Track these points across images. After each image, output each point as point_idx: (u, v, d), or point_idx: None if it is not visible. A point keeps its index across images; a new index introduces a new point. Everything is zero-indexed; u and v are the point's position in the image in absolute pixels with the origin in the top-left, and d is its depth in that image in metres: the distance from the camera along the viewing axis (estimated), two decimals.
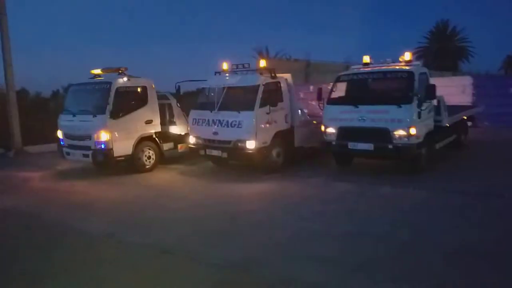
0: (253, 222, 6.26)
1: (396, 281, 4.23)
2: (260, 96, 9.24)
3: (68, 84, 10.53)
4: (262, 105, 9.24)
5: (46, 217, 6.93)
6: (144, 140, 10.01)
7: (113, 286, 4.44)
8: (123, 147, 9.53)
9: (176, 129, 10.86)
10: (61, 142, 10.27)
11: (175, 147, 10.92)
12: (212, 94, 9.91)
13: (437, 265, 4.57)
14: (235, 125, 9.24)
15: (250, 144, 9.12)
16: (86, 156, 9.53)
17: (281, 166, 9.91)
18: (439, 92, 13.72)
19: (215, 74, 10.54)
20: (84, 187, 8.93)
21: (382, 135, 8.61)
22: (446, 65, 42.19)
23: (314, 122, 10.70)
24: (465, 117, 12.00)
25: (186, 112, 10.70)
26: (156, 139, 10.29)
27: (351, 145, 9.04)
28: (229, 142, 9.36)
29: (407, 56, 9.27)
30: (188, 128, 10.30)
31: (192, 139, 10.15)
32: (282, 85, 9.97)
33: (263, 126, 9.28)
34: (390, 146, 8.55)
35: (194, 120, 10.04)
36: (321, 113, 9.84)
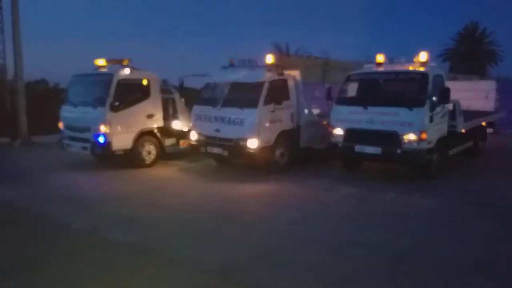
0: (244, 224, 5.94)
1: None
2: (265, 93, 8.85)
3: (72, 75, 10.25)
4: (267, 102, 8.85)
5: (36, 210, 6.73)
6: (145, 134, 9.74)
7: (77, 282, 4.19)
8: (122, 141, 9.29)
9: (179, 125, 10.56)
10: (62, 134, 10.13)
11: (177, 143, 10.63)
12: (216, 89, 9.59)
13: (429, 283, 4.16)
14: (237, 122, 8.89)
15: (252, 143, 8.75)
16: (85, 148, 9.34)
17: (285, 167, 9.51)
18: (460, 96, 13.16)
19: (221, 69, 10.22)
20: (80, 180, 8.73)
21: (390, 138, 8.12)
22: (474, 68, 40.91)
23: (325, 122, 10.23)
24: (484, 123, 11.32)
25: (190, 107, 10.39)
26: (158, 134, 10.02)
27: (358, 148, 8.58)
28: (230, 140, 9.02)
29: (423, 56, 8.71)
30: (191, 124, 10.01)
31: (193, 136, 9.84)
32: (289, 82, 9.56)
33: (266, 124, 8.89)
34: (399, 151, 8.05)
35: (197, 116, 9.73)
36: None
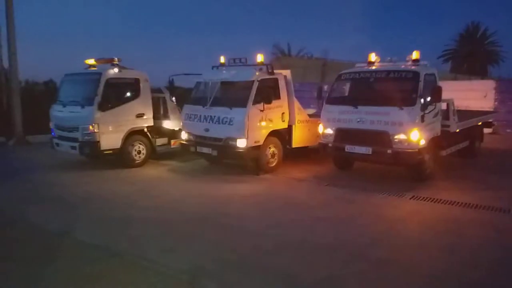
0: (223, 226, 5.80)
1: None
2: (254, 92, 8.74)
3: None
4: (256, 102, 8.74)
5: (10, 212, 6.61)
6: (135, 134, 9.65)
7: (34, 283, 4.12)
8: (111, 140, 9.20)
9: (170, 124, 10.46)
10: (52, 133, 10.06)
11: (169, 142, 10.53)
12: (206, 89, 9.48)
13: None
14: (226, 122, 8.78)
15: (241, 143, 8.63)
16: (73, 148, 9.25)
17: (275, 167, 9.39)
18: (458, 96, 13.01)
19: (212, 68, 10.12)
20: (65, 181, 8.62)
21: (381, 138, 7.99)
22: (475, 69, 40.62)
23: (319, 122, 10.09)
24: (480, 123, 11.13)
25: (181, 107, 10.29)
26: (148, 133, 9.93)
27: (348, 148, 8.44)
28: (220, 139, 8.91)
29: (415, 55, 8.58)
30: (181, 124, 9.91)
31: (184, 135, 9.74)
32: (280, 82, 9.43)
33: (255, 124, 8.77)
34: (389, 151, 7.91)
35: (187, 115, 9.63)
36: None
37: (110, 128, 9.14)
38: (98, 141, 9.03)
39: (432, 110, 8.10)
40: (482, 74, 37.40)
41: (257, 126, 8.81)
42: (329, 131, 8.81)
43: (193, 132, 9.49)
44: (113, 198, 7.29)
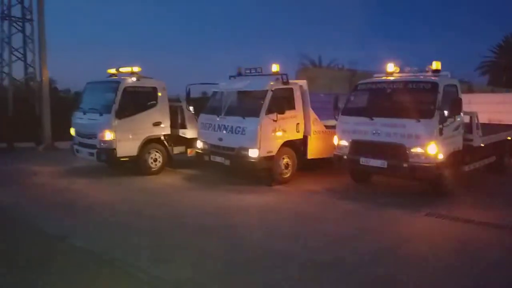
0: (220, 238, 5.69)
1: None
2: (268, 102, 8.66)
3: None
4: (270, 111, 8.65)
5: (16, 214, 6.80)
6: (152, 142, 9.79)
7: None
8: (128, 148, 9.36)
9: (187, 133, 10.53)
10: (74, 139, 10.36)
11: (186, 151, 10.60)
12: (221, 98, 9.50)
13: None
14: (239, 131, 8.75)
15: (253, 153, 8.55)
16: (91, 154, 9.48)
17: (289, 178, 9.23)
18: (490, 109, 12.38)
19: (229, 78, 10.15)
20: (79, 186, 8.83)
21: (397, 151, 7.69)
22: None
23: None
24: (510, 138, 10.53)
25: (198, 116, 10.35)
26: (165, 141, 10.03)
27: (363, 160, 8.17)
28: (232, 149, 8.87)
29: (435, 65, 8.25)
30: (197, 133, 9.97)
31: (199, 144, 9.78)
32: (295, 92, 9.31)
33: (268, 134, 8.67)
34: (405, 165, 7.59)
35: (202, 125, 9.68)
36: None
37: (127, 136, 9.31)
38: (115, 149, 9.21)
39: (452, 123, 7.73)
40: None
41: (270, 136, 8.71)
42: (344, 142, 8.59)
43: (207, 141, 9.51)
44: (121, 205, 7.37)
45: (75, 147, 10.16)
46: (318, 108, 10.09)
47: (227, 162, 8.98)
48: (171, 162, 10.39)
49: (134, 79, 9.60)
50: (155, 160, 9.89)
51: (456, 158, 8.11)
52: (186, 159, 10.81)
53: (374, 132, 8.02)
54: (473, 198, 7.98)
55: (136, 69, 9.79)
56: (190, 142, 10.51)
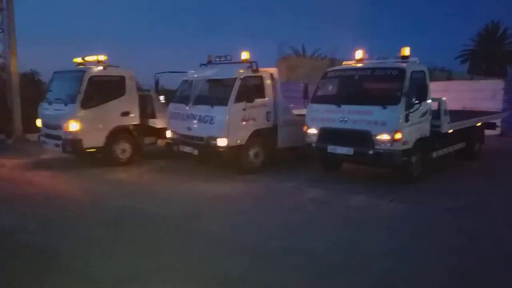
0: (177, 229, 5.56)
1: None
2: (236, 90, 8.54)
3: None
4: (238, 100, 8.54)
5: None
6: (120, 132, 9.58)
7: None
8: (94, 139, 9.15)
9: (157, 123, 10.35)
10: (41, 131, 10.11)
11: (157, 141, 10.44)
12: (190, 87, 9.35)
13: None
14: (207, 120, 8.63)
15: (222, 142, 8.45)
16: (57, 146, 9.26)
17: (260, 167, 9.16)
18: (465, 96, 12.32)
19: (200, 66, 9.98)
20: (41, 178, 8.60)
21: (363, 138, 7.67)
22: (495, 70, 39.37)
23: None
24: (479, 124, 10.62)
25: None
26: (134, 132, 9.85)
27: (330, 148, 8.15)
28: (201, 138, 8.75)
29: (404, 51, 8.21)
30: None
31: (169, 134, 9.64)
32: (265, 80, 9.20)
33: (237, 123, 8.57)
34: (371, 152, 7.59)
35: (171, 114, 9.52)
36: None
37: (93, 126, 9.09)
38: (81, 139, 9.00)
39: (418, 109, 7.72)
40: (502, 75, 36.21)
41: (239, 125, 8.61)
42: (313, 130, 8.54)
43: (177, 130, 9.38)
44: (81, 197, 7.23)
45: (42, 138, 9.92)
46: (298, 98, 9.97)
47: (196, 152, 8.88)
48: (141, 153, 10.22)
49: (100, 68, 9.37)
50: (124, 151, 9.70)
51: (423, 145, 8.14)
52: (157, 150, 10.68)
53: (341, 119, 7.98)
54: (437, 185, 8.06)
55: (102, 57, 9.54)
56: (161, 132, 10.33)
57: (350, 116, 7.87)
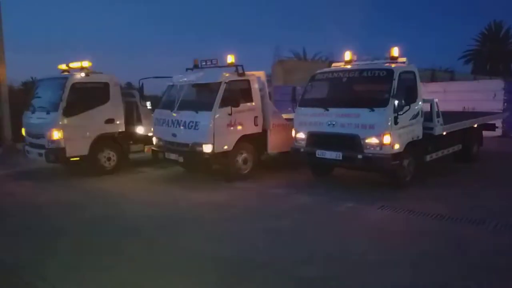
0: (152, 241, 5.25)
1: None
2: (221, 95, 8.27)
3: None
4: (224, 105, 8.27)
5: None
6: (105, 140, 9.34)
7: None
8: (77, 147, 8.90)
9: (143, 130, 10.10)
10: (25, 140, 9.90)
11: (143, 149, 10.19)
12: (175, 92, 9.09)
13: None
14: (192, 126, 8.35)
15: (207, 148, 8.17)
16: (40, 155, 9.02)
17: (249, 174, 8.87)
18: (465, 97, 11.91)
19: (186, 70, 9.73)
20: (25, 189, 8.40)
21: (351, 143, 7.38)
22: (499, 69, 38.95)
23: None
24: (476, 125, 10.27)
25: None
26: (119, 139, 9.60)
27: (319, 153, 7.86)
28: (186, 145, 8.48)
29: (393, 52, 7.92)
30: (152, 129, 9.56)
31: (155, 141, 9.39)
32: (252, 84, 8.93)
33: (223, 128, 8.29)
34: (360, 156, 7.29)
35: (157, 120, 9.27)
36: None
37: (76, 134, 8.84)
38: (64, 148, 8.75)
39: (409, 111, 7.41)
40: (506, 74, 35.76)
41: (224, 131, 8.33)
42: (301, 135, 8.27)
43: (162, 137, 9.12)
44: (56, 207, 6.97)
45: (26, 147, 9.70)
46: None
47: (181, 159, 8.60)
48: (127, 161, 9.97)
49: (83, 74, 9.13)
50: (109, 159, 9.45)
51: (415, 148, 7.83)
52: (146, 157, 10.41)
53: (329, 123, 7.71)
54: (431, 189, 7.73)
55: (86, 63, 9.31)
56: (148, 139, 10.09)
57: (338, 120, 7.59)
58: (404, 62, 7.91)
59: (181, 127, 8.53)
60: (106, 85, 9.36)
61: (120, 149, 9.63)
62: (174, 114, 8.62)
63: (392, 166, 7.28)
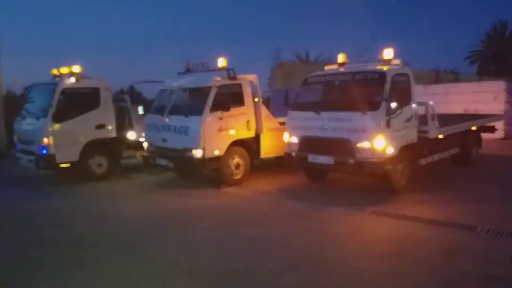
0: (133, 250, 5.10)
1: None
2: (212, 99, 8.12)
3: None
4: (214, 109, 8.12)
5: None
6: (95, 146, 9.22)
7: None
8: (67, 153, 8.78)
9: (135, 135, 9.97)
10: (16, 147, 9.81)
11: (135, 154, 10.07)
12: (166, 96, 8.98)
13: None
14: (182, 131, 8.22)
15: (197, 154, 8.02)
16: (30, 161, 8.93)
17: (241, 179, 8.71)
18: (466, 99, 11.61)
19: (178, 74, 9.61)
20: (13, 197, 8.28)
21: (343, 147, 7.21)
22: (504, 70, 38.49)
23: None
24: (474, 128, 10.05)
25: None
26: (110, 145, 9.48)
27: (311, 157, 7.70)
28: (177, 150, 8.33)
29: (387, 54, 7.74)
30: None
31: (146, 146, 9.27)
32: (244, 87, 8.78)
33: (214, 133, 8.14)
34: (352, 161, 7.11)
35: (148, 125, 9.15)
36: None
37: (66, 140, 8.73)
38: (53, 154, 8.64)
39: (400, 114, 7.21)
40: (510, 75, 35.32)
41: (215, 136, 8.17)
42: (294, 139, 8.10)
43: (153, 142, 9.00)
44: (42, 215, 6.83)
45: (17, 154, 9.61)
46: None
47: (172, 165, 8.47)
48: (119, 167, 9.85)
49: (73, 79, 9.04)
50: (100, 165, 9.33)
51: (410, 152, 7.64)
52: (138, 163, 10.27)
53: (321, 127, 7.54)
54: (425, 194, 7.50)
55: (76, 69, 9.20)
56: (140, 145, 9.96)
57: (330, 124, 7.42)
58: (397, 64, 7.73)
59: (172, 132, 8.40)
60: (96, 90, 9.26)
61: (111, 155, 9.50)
62: (167, 119, 8.49)
63: (385, 170, 7.09)
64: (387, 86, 7.06)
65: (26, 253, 5.11)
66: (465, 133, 9.56)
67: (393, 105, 7.05)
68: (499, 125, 11.87)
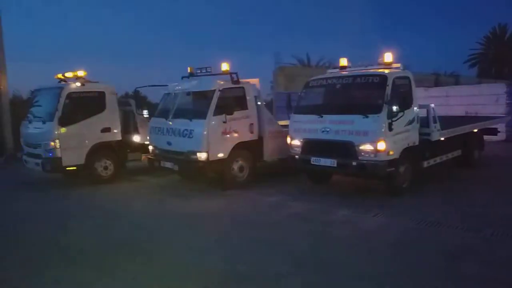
0: (139, 253, 5.18)
1: None
2: (215, 102, 8.24)
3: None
4: (218, 112, 8.23)
5: None
6: (101, 149, 9.35)
7: None
8: (74, 156, 8.90)
9: (140, 138, 10.09)
10: (23, 150, 9.94)
11: (141, 157, 10.18)
12: (170, 100, 9.10)
13: None
14: (186, 134, 8.33)
15: (202, 156, 8.13)
16: (37, 165, 9.05)
17: (246, 181, 8.81)
18: (467, 102, 11.67)
19: (182, 79, 9.74)
20: (19, 200, 8.39)
21: (345, 149, 7.30)
22: (504, 73, 38.64)
23: None
24: (476, 130, 10.12)
25: None
26: (116, 148, 9.60)
27: (314, 160, 7.79)
28: (181, 153, 8.45)
29: (387, 57, 7.85)
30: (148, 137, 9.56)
31: (150, 149, 9.38)
32: (246, 91, 8.90)
33: (218, 136, 8.25)
34: (354, 163, 7.20)
35: (152, 129, 9.27)
36: None
37: (72, 144, 8.85)
38: (60, 157, 8.76)
39: (402, 117, 7.30)
40: (510, 78, 35.41)
41: (219, 139, 8.28)
42: (296, 142, 8.21)
43: (157, 145, 9.11)
44: (49, 218, 6.94)
45: (24, 157, 9.74)
46: None
47: (176, 167, 8.57)
48: (124, 169, 9.97)
49: (78, 84, 9.17)
50: (106, 168, 9.45)
51: (412, 154, 7.73)
52: (144, 166, 10.36)
53: (323, 130, 7.64)
54: (428, 196, 7.61)
55: (81, 73, 9.34)
56: (145, 148, 10.08)
57: (332, 127, 7.52)
58: (398, 68, 7.83)
59: (176, 135, 8.51)
60: (102, 94, 9.39)
61: (116, 158, 9.62)
62: (170, 123, 8.61)
63: (388, 173, 7.18)
64: (389, 89, 7.15)
65: (32, 255, 5.21)
66: (467, 136, 9.65)
67: (395, 107, 7.14)
68: (501, 127, 11.96)
